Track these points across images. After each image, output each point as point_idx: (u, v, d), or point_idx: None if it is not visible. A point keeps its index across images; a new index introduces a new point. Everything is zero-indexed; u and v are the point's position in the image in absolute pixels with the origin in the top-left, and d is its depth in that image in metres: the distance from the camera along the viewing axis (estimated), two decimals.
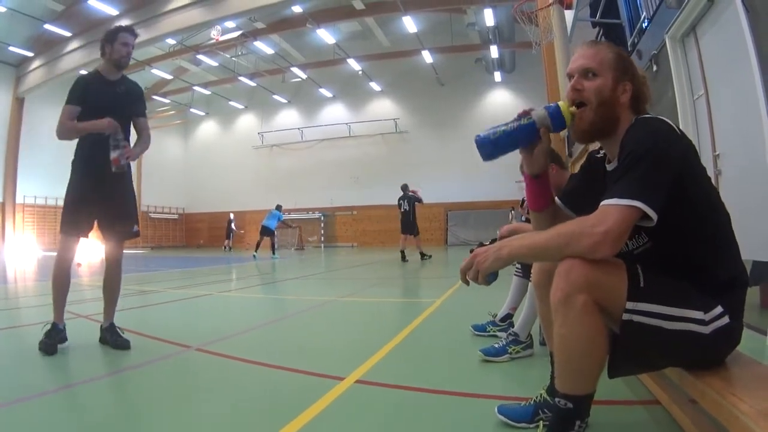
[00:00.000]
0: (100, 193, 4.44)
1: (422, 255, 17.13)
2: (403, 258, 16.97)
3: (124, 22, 21.10)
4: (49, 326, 4.23)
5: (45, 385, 3.33)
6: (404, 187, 18.12)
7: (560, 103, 2.25)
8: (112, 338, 4.35)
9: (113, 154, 4.36)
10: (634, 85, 2.20)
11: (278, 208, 22.34)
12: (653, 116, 2.07)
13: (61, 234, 4.41)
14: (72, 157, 4.53)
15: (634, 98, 2.20)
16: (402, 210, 17.73)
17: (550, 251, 1.94)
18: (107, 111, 4.35)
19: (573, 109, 2.21)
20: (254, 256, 21.04)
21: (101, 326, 4.46)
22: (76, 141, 4.50)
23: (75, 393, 3.22)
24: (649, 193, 1.82)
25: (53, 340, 4.14)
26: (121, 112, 4.51)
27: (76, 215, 4.40)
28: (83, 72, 28.52)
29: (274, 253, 21.55)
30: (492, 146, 2.25)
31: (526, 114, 2.22)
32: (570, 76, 2.25)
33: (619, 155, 2.04)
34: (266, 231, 21.66)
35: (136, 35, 4.61)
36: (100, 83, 4.48)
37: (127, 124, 4.60)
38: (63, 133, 4.35)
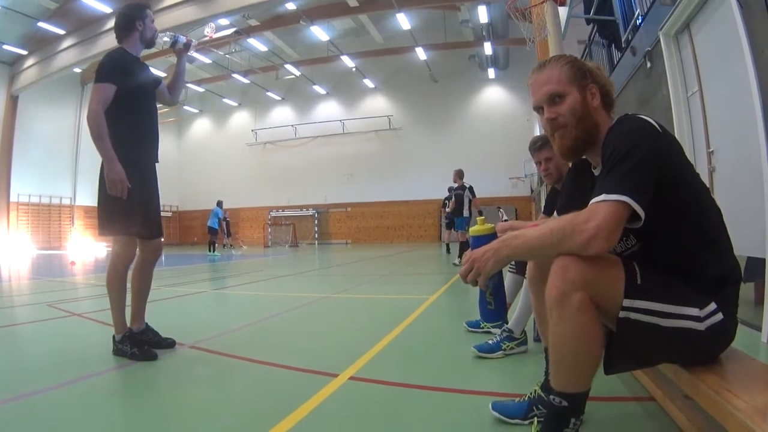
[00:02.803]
0: (147, 191, 4.24)
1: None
2: (448, 251, 18.81)
3: None
4: (121, 336, 4.04)
5: (37, 384, 3.31)
6: (450, 189, 18.77)
7: (475, 227, 2.33)
8: (156, 339, 4.24)
9: (183, 38, 4.45)
10: (597, 83, 2.20)
11: (218, 204, 22.52)
12: (633, 115, 2.05)
13: (118, 235, 4.06)
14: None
15: (603, 95, 2.20)
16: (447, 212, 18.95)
17: (545, 249, 1.92)
18: (147, 91, 4.28)
19: (481, 218, 2.30)
20: (212, 255, 21.01)
21: (124, 334, 4.05)
22: (113, 135, 3.94)
23: (63, 394, 3.21)
24: (635, 188, 1.81)
25: (141, 346, 3.99)
26: (153, 94, 4.41)
27: (132, 214, 4.03)
28: (70, 67, 28.62)
29: (213, 251, 21.58)
30: (495, 309, 2.29)
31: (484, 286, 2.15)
32: (538, 108, 2.25)
33: (602, 156, 2.03)
34: (209, 230, 22.23)
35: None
36: (134, 61, 4.22)
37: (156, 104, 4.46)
38: (96, 126, 3.84)
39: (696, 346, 1.90)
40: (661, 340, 1.87)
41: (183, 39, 4.53)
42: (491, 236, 2.28)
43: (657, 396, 2.65)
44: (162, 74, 34.65)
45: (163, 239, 4.50)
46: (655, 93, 7.72)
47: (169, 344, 4.26)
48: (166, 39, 4.58)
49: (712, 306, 1.89)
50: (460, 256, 13.42)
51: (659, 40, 7.14)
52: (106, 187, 3.87)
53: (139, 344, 4.00)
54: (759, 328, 4.05)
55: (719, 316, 1.89)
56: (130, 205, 3.98)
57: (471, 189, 14.09)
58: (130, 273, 4.19)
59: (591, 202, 1.85)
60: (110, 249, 4.35)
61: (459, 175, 14.26)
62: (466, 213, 13.93)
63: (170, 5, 23.71)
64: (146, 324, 4.29)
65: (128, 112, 4.04)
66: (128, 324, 4.14)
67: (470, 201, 13.96)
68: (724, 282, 1.97)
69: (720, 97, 5.86)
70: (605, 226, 1.77)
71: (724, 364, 1.95)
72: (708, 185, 5.34)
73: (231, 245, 31.56)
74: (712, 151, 6.02)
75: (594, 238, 1.77)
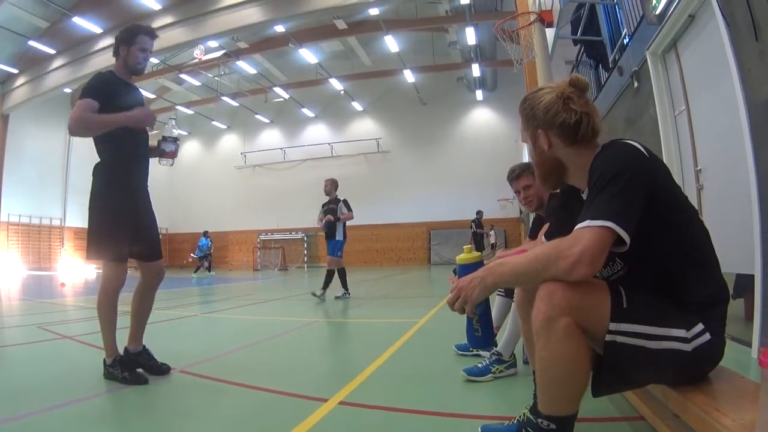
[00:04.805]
0: (141, 214, 4.20)
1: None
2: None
3: (108, 41, 20.53)
4: (112, 359, 3.96)
5: (25, 408, 3.26)
6: (478, 212, 24.61)
7: (462, 255, 2.34)
8: (150, 363, 4.15)
9: (170, 147, 4.32)
10: (544, 127, 2.21)
11: (205, 234, 25.05)
12: (619, 140, 2.08)
13: (106, 260, 3.99)
14: (87, 175, 4.12)
15: (562, 132, 2.19)
16: (472, 231, 23.80)
17: (530, 275, 1.95)
18: None
19: (468, 247, 2.34)
20: (202, 276, 22.80)
21: (115, 358, 3.97)
22: (103, 157, 4.04)
23: (51, 418, 3.16)
24: (620, 214, 1.82)
25: (132, 370, 3.95)
26: None
27: (121, 238, 3.97)
28: (60, 87, 28.58)
29: (209, 271, 24.38)
30: (483, 336, 2.28)
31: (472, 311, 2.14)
32: None
33: (588, 182, 2.05)
34: (199, 258, 24.99)
35: (155, 37, 4.31)
36: (121, 84, 4.15)
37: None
38: (86, 127, 3.80)
39: (683, 367, 1.91)
40: (648, 362, 1.88)
41: (173, 147, 4.44)
42: (478, 264, 2.28)
43: (646, 415, 2.64)
44: (151, 96, 34.76)
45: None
46: (643, 113, 7.78)
47: (164, 371, 4.16)
48: (169, 127, 4.49)
49: (699, 327, 1.90)
50: (324, 288, 11.31)
51: (646, 60, 7.21)
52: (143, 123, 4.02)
53: (130, 368, 3.94)
54: (749, 344, 4.07)
55: (706, 336, 1.90)
56: (119, 230, 3.95)
57: (346, 202, 12.28)
58: (131, 295, 4.19)
59: (576, 227, 1.87)
60: (100, 271, 4.31)
61: (333, 184, 12.45)
62: (339, 235, 12.10)
63: (160, 27, 23.68)
64: (143, 346, 4.23)
65: (117, 134, 3.95)
66: (126, 344, 4.12)
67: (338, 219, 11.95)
68: (712, 302, 1.99)
69: (707, 115, 5.90)
70: (589, 252, 1.78)
71: (712, 383, 1.96)
72: (696, 203, 5.37)
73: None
74: (700, 170, 6.06)
75: (578, 263, 1.79)
